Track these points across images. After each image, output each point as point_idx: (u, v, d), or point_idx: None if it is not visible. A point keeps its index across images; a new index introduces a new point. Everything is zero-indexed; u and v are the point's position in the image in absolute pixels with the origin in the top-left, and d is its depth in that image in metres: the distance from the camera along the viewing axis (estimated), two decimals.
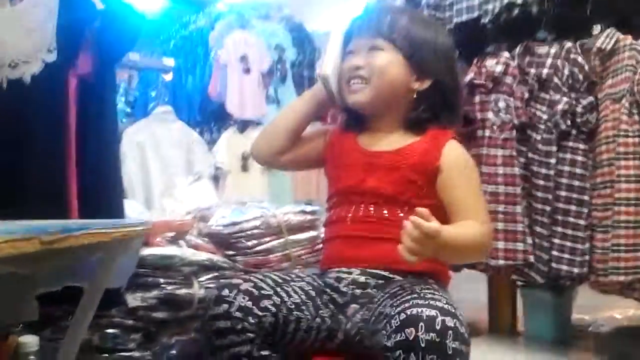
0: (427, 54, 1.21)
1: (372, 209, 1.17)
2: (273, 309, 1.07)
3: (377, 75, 1.19)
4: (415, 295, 1.00)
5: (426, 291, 1.02)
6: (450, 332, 0.91)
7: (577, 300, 2.51)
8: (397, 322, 0.94)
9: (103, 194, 1.36)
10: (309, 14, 4.50)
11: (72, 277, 1.12)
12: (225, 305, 1.05)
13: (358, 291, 1.14)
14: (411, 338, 0.91)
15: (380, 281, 1.14)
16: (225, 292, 1.07)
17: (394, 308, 0.98)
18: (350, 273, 1.16)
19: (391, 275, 1.14)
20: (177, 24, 4.30)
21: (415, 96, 1.21)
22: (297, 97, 1.36)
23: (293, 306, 1.10)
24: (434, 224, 0.97)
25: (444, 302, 0.97)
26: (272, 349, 1.09)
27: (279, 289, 1.11)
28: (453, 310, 0.95)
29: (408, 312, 0.94)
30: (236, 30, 3.78)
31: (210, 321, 1.07)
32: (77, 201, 1.36)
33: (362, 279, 1.15)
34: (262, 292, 1.09)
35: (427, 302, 0.96)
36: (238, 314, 1.04)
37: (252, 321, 1.04)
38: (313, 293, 1.15)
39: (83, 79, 1.39)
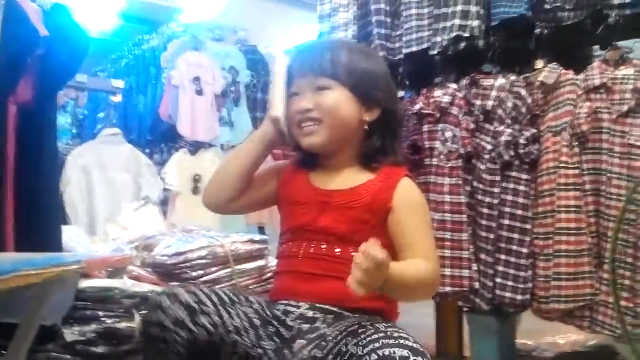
0: (371, 84, 1.22)
1: (324, 246, 1.17)
2: (209, 326, 1.05)
3: (328, 115, 1.18)
4: (382, 334, 0.98)
5: (391, 329, 1.01)
6: None
7: (521, 325, 2.57)
8: None
9: (40, 224, 1.33)
10: (264, 37, 4.52)
11: (5, 314, 1.08)
12: (160, 313, 1.03)
13: (305, 326, 1.12)
14: None
15: (329, 316, 1.13)
16: (164, 300, 1.05)
17: (362, 348, 0.96)
18: (298, 307, 1.14)
19: (340, 311, 1.13)
20: (130, 43, 4.25)
21: (365, 128, 1.22)
22: (246, 140, 1.33)
23: (232, 328, 1.08)
24: (382, 252, 0.97)
25: (412, 340, 0.97)
26: None
27: (221, 308, 1.09)
28: (422, 349, 0.94)
29: (379, 352, 0.93)
30: (189, 51, 3.76)
31: (145, 326, 1.06)
32: (14, 232, 1.32)
33: (310, 313, 1.13)
34: (202, 307, 1.06)
35: (397, 342, 0.95)
36: (170, 325, 1.02)
37: (184, 335, 1.02)
38: (257, 322, 1.12)
39: (23, 107, 1.35)
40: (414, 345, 0.95)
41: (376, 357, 0.92)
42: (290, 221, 1.24)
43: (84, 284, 1.32)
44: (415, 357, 0.91)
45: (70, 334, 1.30)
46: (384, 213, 1.18)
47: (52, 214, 1.36)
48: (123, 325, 1.37)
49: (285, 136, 1.24)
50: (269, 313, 1.16)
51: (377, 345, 0.94)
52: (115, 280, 1.38)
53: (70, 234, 1.57)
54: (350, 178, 1.22)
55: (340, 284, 1.06)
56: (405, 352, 0.91)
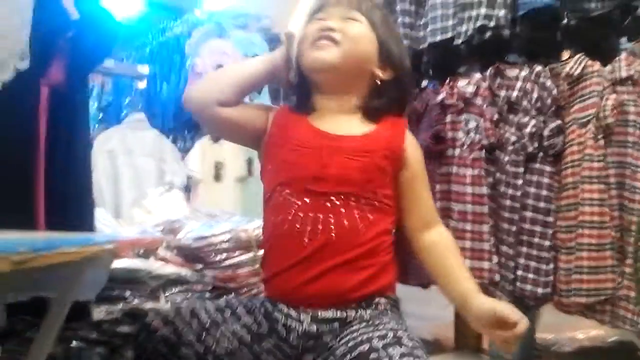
0: (395, 46, 1.19)
1: (331, 217, 1.06)
2: (194, 358, 1.00)
3: (349, 42, 1.12)
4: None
5: (391, 335, 0.98)
6: None
7: (541, 319, 2.56)
8: None
9: (72, 205, 1.35)
10: (288, 24, 4.51)
11: (41, 288, 1.10)
12: (139, 349, 1.01)
13: (311, 342, 1.06)
14: None
15: (334, 324, 1.06)
16: (142, 336, 1.02)
17: None
18: (300, 321, 1.06)
19: (344, 315, 1.06)
20: (154, 30, 4.28)
21: (378, 83, 1.17)
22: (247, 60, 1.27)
23: (223, 352, 1.03)
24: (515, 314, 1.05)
25: (412, 343, 0.95)
26: None
27: (204, 334, 1.03)
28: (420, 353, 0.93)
29: None
30: (213, 39, 3.78)
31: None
32: (46, 212, 1.35)
33: (314, 328, 1.05)
34: (182, 339, 1.01)
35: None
36: None
37: None
38: (248, 338, 1.06)
39: (55, 88, 1.38)
40: (415, 351, 0.93)
41: None
42: (291, 169, 1.10)
43: (113, 264, 1.35)
44: None
45: (98, 313, 1.34)
46: (397, 160, 1.13)
47: (84, 195, 1.38)
48: (149, 305, 1.40)
49: (291, 66, 1.17)
50: (264, 325, 1.08)
51: None
52: (142, 262, 1.41)
53: (98, 217, 1.60)
54: (358, 125, 1.15)
55: (341, 274, 1.04)
56: None
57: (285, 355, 1.07)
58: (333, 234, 1.06)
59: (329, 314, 1.05)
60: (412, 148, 1.17)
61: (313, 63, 1.13)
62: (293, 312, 1.06)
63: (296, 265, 1.07)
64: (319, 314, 1.05)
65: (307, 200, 1.07)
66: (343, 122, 1.14)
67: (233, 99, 1.14)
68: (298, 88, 1.19)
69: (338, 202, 1.07)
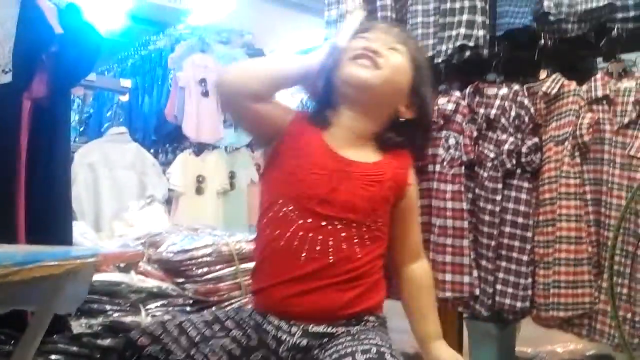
0: (425, 89, 1.22)
1: (331, 240, 1.07)
2: None
3: (389, 69, 1.14)
4: None
5: (374, 350, 1.00)
6: None
7: (520, 332, 2.58)
8: None
9: (51, 218, 1.35)
10: (270, 41, 4.56)
11: (21, 302, 1.10)
12: None
13: (299, 355, 1.06)
14: None
15: (324, 339, 1.07)
16: (128, 354, 1.00)
17: None
18: (290, 334, 1.06)
19: (334, 330, 1.08)
20: (137, 43, 4.29)
21: (395, 120, 1.19)
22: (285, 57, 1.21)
23: None
24: None
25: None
26: None
27: (193, 350, 1.02)
28: None
29: None
30: (196, 53, 3.80)
31: None
32: (25, 224, 1.35)
33: (304, 342, 1.06)
34: (171, 356, 1.00)
35: None
36: None
37: None
38: (237, 351, 1.05)
39: (37, 102, 1.39)
40: None
41: None
42: (298, 186, 1.09)
43: (93, 277, 1.34)
44: None
45: (78, 326, 1.33)
46: (401, 192, 1.16)
47: (63, 208, 1.38)
48: (129, 319, 1.40)
49: (322, 75, 1.16)
50: (253, 337, 1.08)
51: None
52: (123, 275, 1.40)
53: (79, 230, 1.60)
54: (367, 152, 1.16)
55: (333, 292, 1.06)
56: None
57: None
58: (330, 257, 1.07)
59: (320, 328, 1.06)
60: (413, 180, 1.21)
61: (350, 77, 1.15)
62: (284, 325, 1.07)
63: (289, 282, 1.07)
64: (310, 327, 1.07)
65: (310, 220, 1.07)
66: (356, 147, 1.16)
67: (266, 94, 1.12)
68: (321, 98, 1.20)
69: (339, 227, 1.08)
